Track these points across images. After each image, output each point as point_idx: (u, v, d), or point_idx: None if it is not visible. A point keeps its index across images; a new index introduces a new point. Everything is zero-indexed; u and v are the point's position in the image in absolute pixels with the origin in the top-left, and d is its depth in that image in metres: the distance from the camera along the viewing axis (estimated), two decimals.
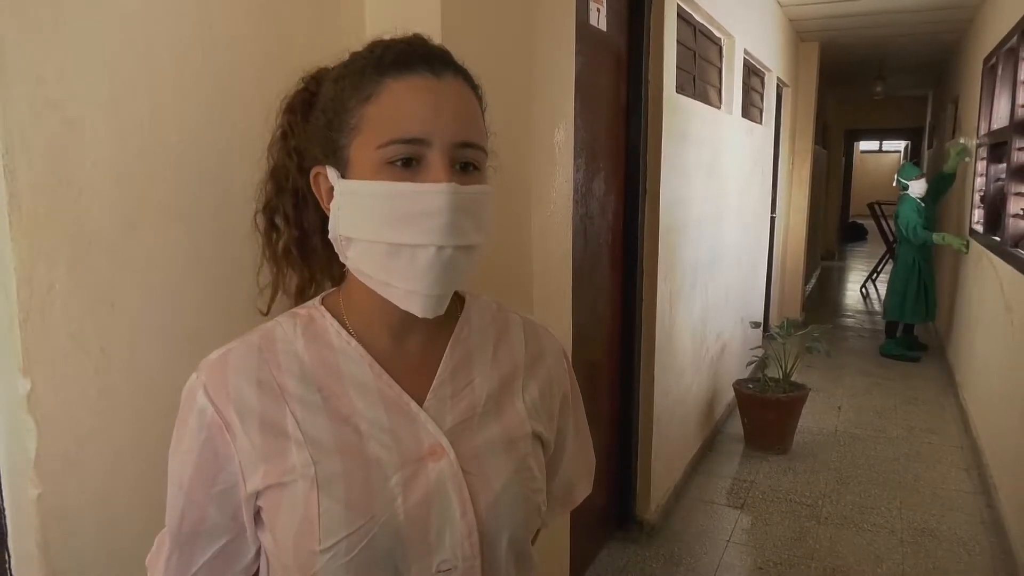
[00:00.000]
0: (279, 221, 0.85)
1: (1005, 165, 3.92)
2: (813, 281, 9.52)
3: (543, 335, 0.92)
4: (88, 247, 0.87)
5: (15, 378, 0.82)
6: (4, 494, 0.86)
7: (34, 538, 0.85)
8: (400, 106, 0.71)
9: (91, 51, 0.86)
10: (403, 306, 0.74)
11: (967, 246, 5.16)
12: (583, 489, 1.00)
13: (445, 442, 0.76)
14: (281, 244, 0.85)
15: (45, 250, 0.82)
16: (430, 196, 0.70)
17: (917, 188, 5.79)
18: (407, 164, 0.71)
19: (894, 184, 6.09)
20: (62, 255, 0.84)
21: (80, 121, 0.85)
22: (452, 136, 0.71)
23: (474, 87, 0.77)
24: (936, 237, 5.55)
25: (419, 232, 0.70)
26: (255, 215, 0.86)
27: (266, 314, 0.87)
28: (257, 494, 0.74)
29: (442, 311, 0.76)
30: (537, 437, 0.85)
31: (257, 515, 0.76)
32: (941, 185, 5.95)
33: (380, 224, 0.71)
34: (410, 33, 0.78)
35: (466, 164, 0.73)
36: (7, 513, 0.87)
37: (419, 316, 0.74)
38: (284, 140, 0.84)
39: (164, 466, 0.79)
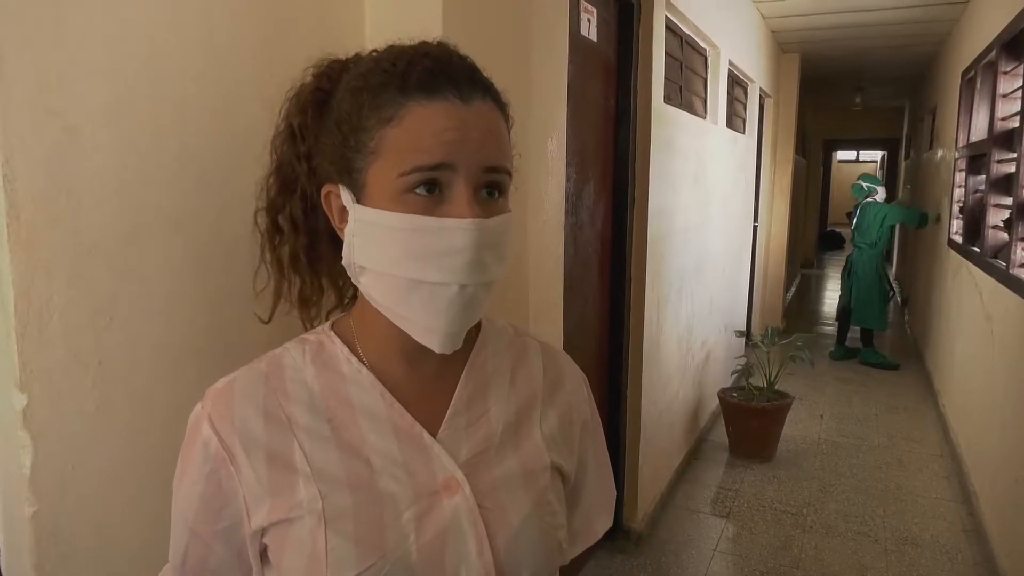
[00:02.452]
0: (283, 222, 0.79)
1: (984, 177, 3.99)
2: (793, 289, 9.61)
3: (562, 361, 0.88)
4: (87, 258, 0.85)
5: (11, 393, 0.80)
6: None
7: (28, 558, 0.82)
8: (425, 131, 0.66)
9: (92, 58, 0.84)
10: (421, 340, 0.71)
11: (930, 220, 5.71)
12: (603, 523, 0.92)
13: (460, 476, 0.72)
14: (288, 250, 0.80)
15: (44, 262, 0.80)
16: (454, 233, 0.66)
17: (881, 194, 6.06)
18: (430, 191, 0.67)
19: (864, 186, 6.21)
20: (61, 267, 0.82)
21: (81, 129, 0.82)
22: (478, 163, 0.67)
23: (501, 106, 0.73)
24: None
25: (441, 270, 0.67)
26: (255, 213, 0.81)
27: (267, 322, 0.83)
28: (262, 531, 0.70)
29: (459, 346, 0.73)
30: (556, 469, 0.80)
31: (263, 554, 0.72)
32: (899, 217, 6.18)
33: (399, 258, 0.68)
34: (433, 40, 0.73)
35: (491, 190, 0.70)
36: (0, 532, 0.84)
37: (437, 352, 0.71)
38: (293, 141, 0.77)
39: (162, 483, 0.77)
